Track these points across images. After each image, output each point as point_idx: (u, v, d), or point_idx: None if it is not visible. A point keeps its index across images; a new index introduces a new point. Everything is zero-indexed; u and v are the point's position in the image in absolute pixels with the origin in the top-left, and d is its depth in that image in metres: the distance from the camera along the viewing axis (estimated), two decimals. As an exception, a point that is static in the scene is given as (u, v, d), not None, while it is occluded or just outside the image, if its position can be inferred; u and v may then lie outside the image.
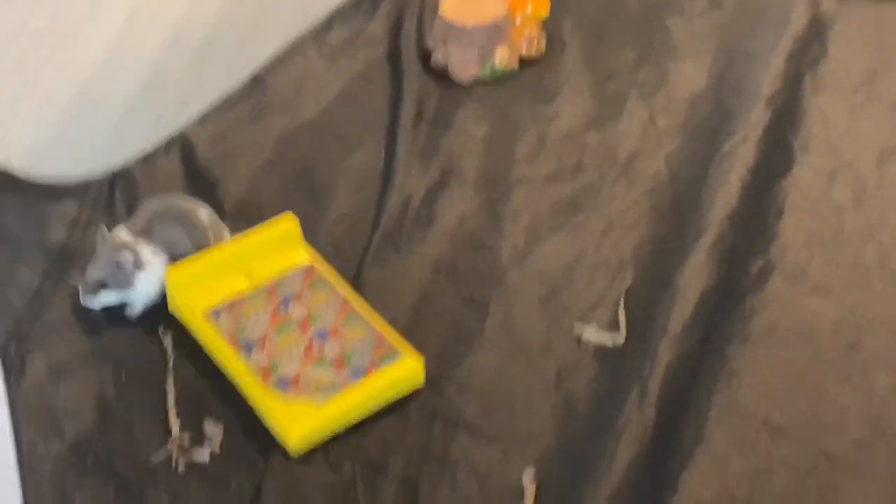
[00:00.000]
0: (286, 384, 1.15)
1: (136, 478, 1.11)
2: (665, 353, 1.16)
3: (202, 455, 1.12)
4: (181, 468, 1.11)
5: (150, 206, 1.28)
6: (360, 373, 1.15)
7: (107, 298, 1.23)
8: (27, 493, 1.08)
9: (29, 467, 1.11)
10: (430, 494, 1.09)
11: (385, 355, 1.17)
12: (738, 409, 1.11)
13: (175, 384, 1.19)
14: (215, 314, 1.22)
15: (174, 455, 1.12)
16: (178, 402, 1.17)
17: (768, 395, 1.12)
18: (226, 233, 1.30)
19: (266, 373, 1.16)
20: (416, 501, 1.08)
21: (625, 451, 1.08)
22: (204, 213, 1.28)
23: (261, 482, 1.10)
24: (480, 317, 1.26)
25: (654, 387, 1.13)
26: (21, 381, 1.17)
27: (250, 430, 1.14)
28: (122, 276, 1.22)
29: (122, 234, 1.24)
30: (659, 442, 1.09)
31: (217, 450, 1.13)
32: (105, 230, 1.24)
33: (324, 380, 1.15)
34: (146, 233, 1.24)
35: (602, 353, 1.20)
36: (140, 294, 1.24)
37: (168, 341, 1.23)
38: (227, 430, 1.15)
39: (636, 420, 1.10)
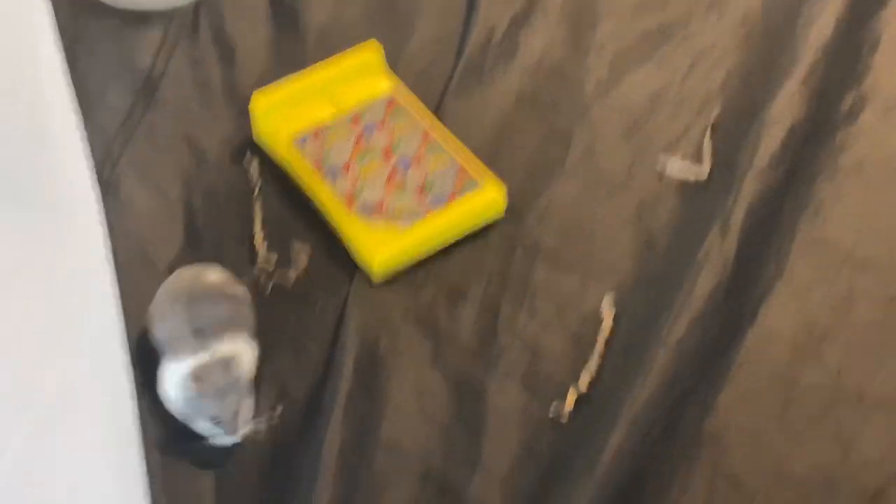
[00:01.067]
0: (370, 210, 1.16)
1: (226, 298, 1.15)
2: (750, 186, 1.14)
3: (288, 278, 1.16)
4: (268, 290, 1.15)
5: (176, 306, 1.05)
6: (441, 200, 1.17)
7: (246, 413, 1.01)
8: (126, 313, 1.13)
9: (127, 288, 1.15)
10: (509, 320, 1.11)
11: (467, 184, 1.18)
12: (821, 243, 1.10)
13: (261, 210, 1.22)
14: (301, 141, 1.23)
15: (261, 277, 1.16)
16: (264, 228, 1.20)
17: (853, 229, 1.11)
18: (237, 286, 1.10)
19: (350, 199, 1.18)
20: (495, 326, 1.11)
21: (704, 282, 1.08)
22: (213, 274, 1.09)
23: (345, 304, 1.13)
24: (562, 149, 1.25)
25: (736, 220, 1.12)
26: (116, 203, 1.21)
27: (334, 255, 1.17)
28: (242, 386, 1.01)
29: (192, 361, 1.00)
30: (739, 274, 1.09)
31: (302, 273, 1.17)
32: (187, 379, 0.99)
33: (406, 207, 1.16)
34: (206, 333, 1.01)
35: (684, 186, 1.20)
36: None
37: (253, 167, 1.25)
38: (312, 255, 1.18)
39: (717, 253, 1.10)
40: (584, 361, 1.06)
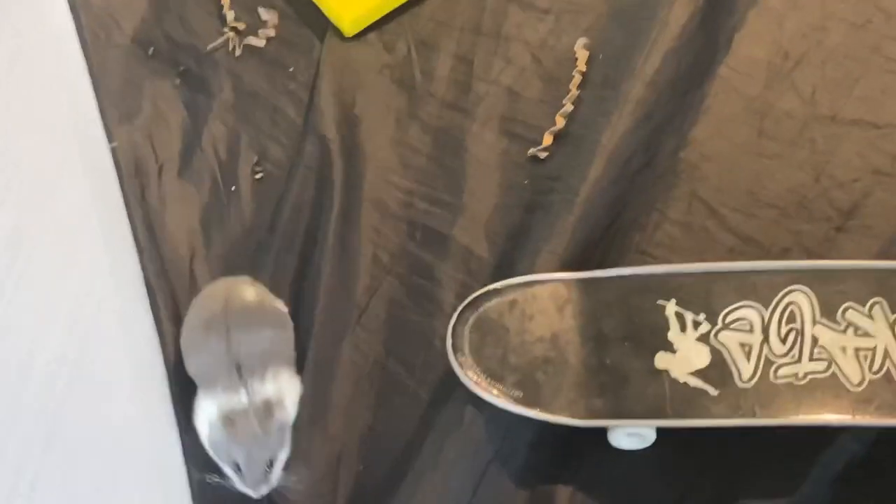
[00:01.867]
0: (336, -34, 1.14)
1: (197, 65, 1.14)
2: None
3: (258, 40, 1.15)
4: (238, 52, 1.14)
5: (211, 336, 0.90)
6: (408, -48, 1.14)
7: (279, 466, 0.88)
8: (97, 81, 1.13)
9: (95, 59, 1.14)
10: (484, 68, 1.10)
11: (433, -68, 1.15)
12: (794, -32, 1.09)
13: (225, -27, 1.19)
14: None
15: (231, 40, 1.15)
16: (230, -9, 1.18)
17: (827, -46, 1.09)
18: (277, 302, 0.97)
19: (315, -45, 1.15)
20: (470, 75, 1.10)
21: (678, 14, 1.06)
22: (249, 290, 0.95)
23: (318, 63, 1.12)
24: None
25: (709, -50, 1.10)
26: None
27: (304, 16, 1.16)
28: (281, 434, 0.88)
29: (226, 399, 0.87)
30: (713, 4, 1.08)
31: (273, 34, 1.15)
32: (218, 419, 0.86)
33: (372, -42, 1.14)
34: (250, 369, 0.88)
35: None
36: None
37: (214, -71, 1.21)
38: (282, 16, 1.16)
39: (690, -15, 1.09)
40: (560, 103, 1.06)
